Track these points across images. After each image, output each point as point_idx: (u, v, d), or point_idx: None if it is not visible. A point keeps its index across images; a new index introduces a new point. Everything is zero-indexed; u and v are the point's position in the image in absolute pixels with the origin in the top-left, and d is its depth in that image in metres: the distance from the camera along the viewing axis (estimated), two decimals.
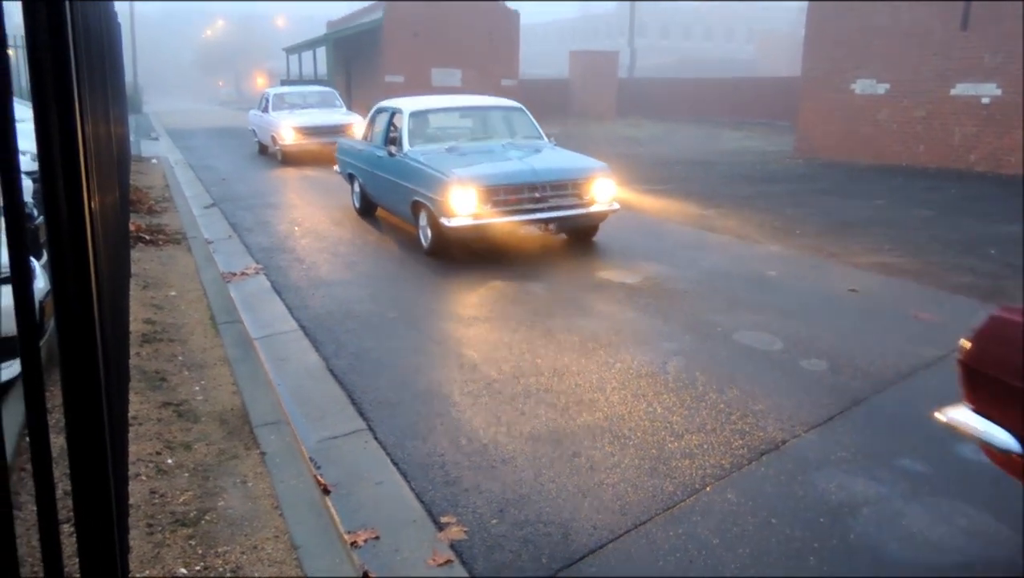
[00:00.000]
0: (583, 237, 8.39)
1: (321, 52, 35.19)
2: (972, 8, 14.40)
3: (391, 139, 8.89)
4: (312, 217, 10.42)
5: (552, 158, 8.12)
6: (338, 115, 17.33)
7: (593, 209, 7.77)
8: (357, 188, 10.17)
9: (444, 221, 7.23)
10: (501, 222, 7.43)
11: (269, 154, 17.71)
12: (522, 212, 7.45)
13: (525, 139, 8.82)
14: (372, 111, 9.97)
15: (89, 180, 1.69)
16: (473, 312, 6.24)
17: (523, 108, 9.43)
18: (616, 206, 7.96)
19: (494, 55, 29.16)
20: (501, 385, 4.63)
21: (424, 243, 7.93)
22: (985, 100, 14.51)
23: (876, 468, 3.59)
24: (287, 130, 16.14)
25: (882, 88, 16.40)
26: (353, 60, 31.91)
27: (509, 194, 7.36)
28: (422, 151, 8.17)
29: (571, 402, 4.37)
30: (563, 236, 8.34)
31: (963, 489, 3.41)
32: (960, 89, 14.94)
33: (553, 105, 31.96)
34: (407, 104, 9.05)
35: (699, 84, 33.47)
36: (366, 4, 34.44)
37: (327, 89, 19.80)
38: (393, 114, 9.14)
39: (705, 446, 3.82)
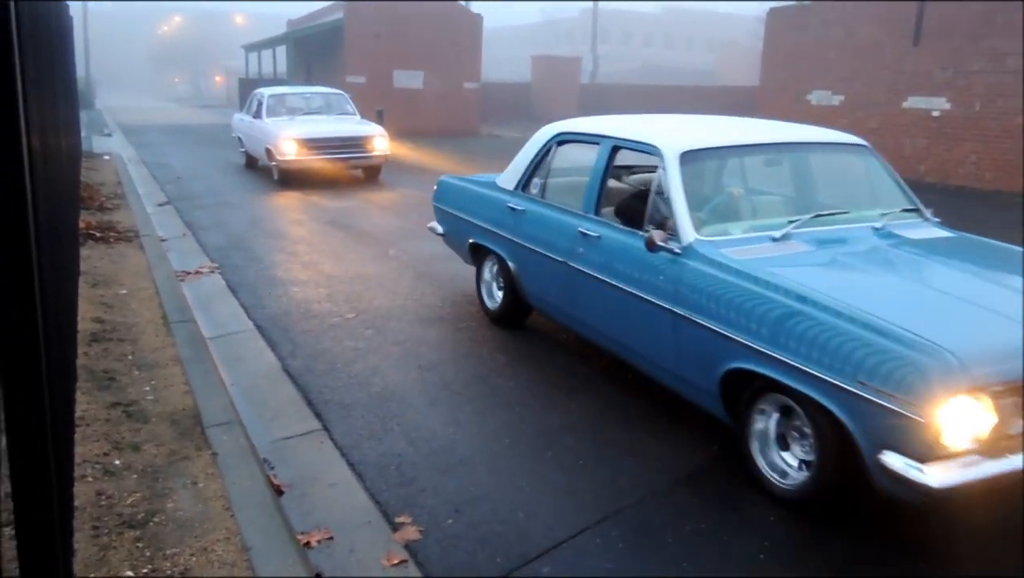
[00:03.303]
0: None
1: (281, 51, 34.86)
2: (924, 25, 14.82)
3: (622, 206, 4.54)
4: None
5: None
6: (351, 124, 14.04)
7: None
8: (495, 274, 5.71)
9: (915, 474, 2.70)
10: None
11: (260, 168, 14.62)
12: None
13: (888, 210, 4.28)
14: (547, 137, 5.25)
15: (34, 176, 1.66)
16: None
17: (869, 147, 4.66)
18: None
19: (457, 58, 29.10)
20: None
21: (774, 480, 3.37)
22: (935, 113, 14.93)
23: None
24: (287, 142, 12.71)
25: (837, 100, 16.78)
26: (314, 60, 31.63)
27: None
28: (743, 249, 3.68)
29: None
30: None
31: None
32: (911, 102, 15.35)
33: (515, 108, 32.29)
34: (663, 136, 4.26)
35: (659, 91, 33.78)
36: (328, 4, 34.21)
37: (336, 91, 16.03)
38: (614, 150, 4.57)
39: None
